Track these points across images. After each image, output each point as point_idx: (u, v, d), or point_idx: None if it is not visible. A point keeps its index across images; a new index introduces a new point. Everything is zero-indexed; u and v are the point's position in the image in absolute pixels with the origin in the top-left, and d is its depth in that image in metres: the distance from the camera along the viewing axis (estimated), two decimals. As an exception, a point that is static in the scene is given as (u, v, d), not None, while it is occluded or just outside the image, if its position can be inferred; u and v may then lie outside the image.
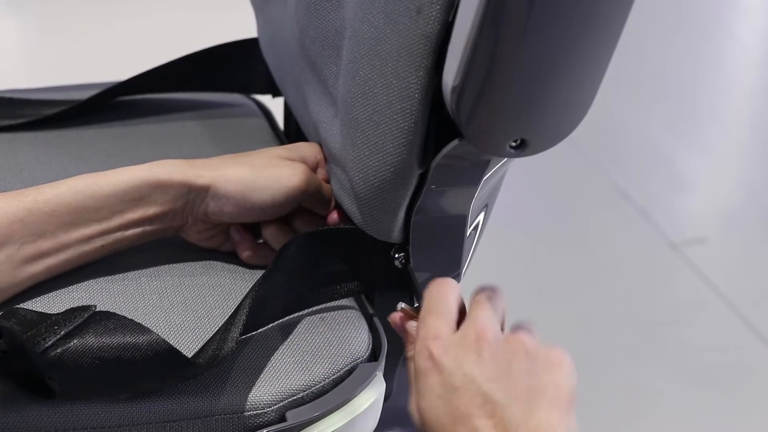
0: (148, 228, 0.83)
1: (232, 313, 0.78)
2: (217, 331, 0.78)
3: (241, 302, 0.79)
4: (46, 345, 0.71)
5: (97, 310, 0.74)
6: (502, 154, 0.72)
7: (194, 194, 0.83)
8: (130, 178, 0.81)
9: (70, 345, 0.71)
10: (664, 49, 2.71)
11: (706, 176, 2.32)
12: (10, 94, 1.06)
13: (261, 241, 0.89)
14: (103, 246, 0.82)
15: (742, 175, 2.33)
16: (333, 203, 0.88)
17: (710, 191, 2.27)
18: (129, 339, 0.72)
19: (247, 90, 1.12)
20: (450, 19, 0.69)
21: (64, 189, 0.80)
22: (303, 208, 0.88)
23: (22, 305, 0.81)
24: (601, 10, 0.67)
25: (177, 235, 0.87)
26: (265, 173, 0.84)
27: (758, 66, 2.80)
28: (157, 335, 0.73)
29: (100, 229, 0.81)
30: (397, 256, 0.84)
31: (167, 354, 0.73)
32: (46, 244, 0.79)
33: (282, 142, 1.07)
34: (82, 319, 0.73)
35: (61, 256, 0.81)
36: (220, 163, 0.84)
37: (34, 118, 1.03)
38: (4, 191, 0.92)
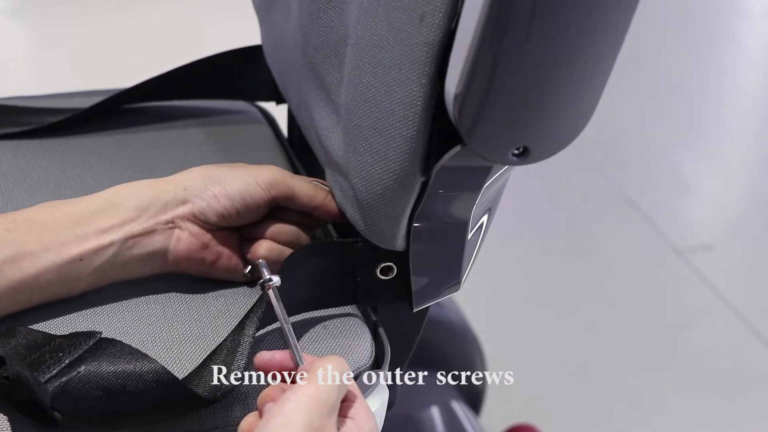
0: (124, 234, 0.81)
1: (234, 333, 0.78)
2: (217, 352, 0.77)
3: (242, 326, 0.78)
4: (51, 374, 0.71)
5: (102, 336, 0.74)
6: (505, 162, 0.72)
7: (166, 195, 0.83)
8: (102, 193, 0.83)
9: (73, 375, 0.71)
10: (669, 56, 2.71)
11: (711, 183, 2.31)
12: (14, 102, 1.06)
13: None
14: (82, 260, 0.80)
15: (748, 181, 2.33)
16: (323, 195, 0.88)
17: (716, 198, 2.27)
18: (133, 369, 0.72)
19: (251, 97, 1.12)
20: (453, 26, 0.69)
21: (38, 208, 0.81)
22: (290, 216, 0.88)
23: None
24: (603, 17, 0.67)
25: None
26: (237, 167, 0.86)
27: (763, 73, 2.80)
28: (162, 366, 0.73)
29: (77, 241, 0.80)
30: (384, 276, 0.85)
31: (171, 385, 0.73)
32: (26, 264, 0.78)
33: (285, 149, 1.07)
34: (87, 347, 0.73)
35: (44, 279, 0.79)
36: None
37: (39, 125, 1.03)
38: (7, 199, 0.93)
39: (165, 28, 2.57)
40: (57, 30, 2.62)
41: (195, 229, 0.84)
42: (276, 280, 0.79)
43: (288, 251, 0.87)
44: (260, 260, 0.82)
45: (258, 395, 0.75)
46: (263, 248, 0.86)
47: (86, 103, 1.05)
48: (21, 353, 0.72)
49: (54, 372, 0.71)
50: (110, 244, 0.81)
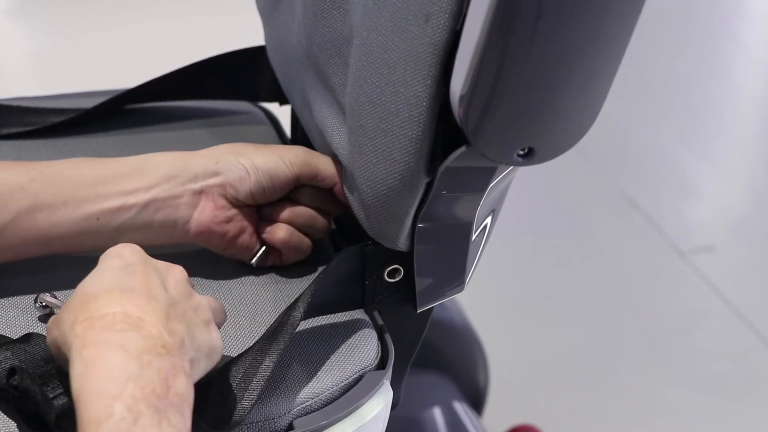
0: (148, 197, 0.82)
1: (246, 363, 0.77)
2: (228, 374, 0.76)
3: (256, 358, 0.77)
4: (59, 391, 0.70)
5: None
6: (510, 163, 0.72)
7: (197, 167, 0.83)
8: (133, 157, 0.84)
9: None
10: (672, 57, 2.71)
11: (713, 184, 2.31)
12: (18, 102, 1.06)
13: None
14: (99, 219, 0.81)
15: (750, 182, 2.33)
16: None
17: (718, 199, 2.27)
18: None
19: (254, 98, 1.12)
20: (458, 27, 0.69)
21: (68, 162, 0.82)
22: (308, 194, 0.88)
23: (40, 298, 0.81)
24: (609, 18, 0.67)
25: (193, 244, 0.86)
26: (263, 146, 0.87)
27: (765, 74, 2.80)
28: None
29: (97, 200, 0.81)
30: (390, 279, 0.85)
31: None
32: (42, 216, 0.79)
33: (289, 150, 1.07)
34: None
35: (55, 232, 0.80)
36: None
37: (42, 125, 1.03)
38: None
39: (167, 29, 2.57)
40: (59, 30, 2.62)
41: (221, 202, 0.84)
42: None
43: (306, 240, 0.88)
44: None
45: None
46: (284, 231, 0.87)
47: (89, 103, 1.05)
48: (36, 363, 0.72)
49: (62, 389, 0.70)
50: (131, 206, 0.82)
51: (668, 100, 2.55)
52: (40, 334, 0.75)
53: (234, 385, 0.74)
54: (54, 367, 0.72)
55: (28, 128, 1.03)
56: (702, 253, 2.01)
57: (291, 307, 0.78)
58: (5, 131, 1.02)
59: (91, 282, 0.69)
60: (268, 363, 0.74)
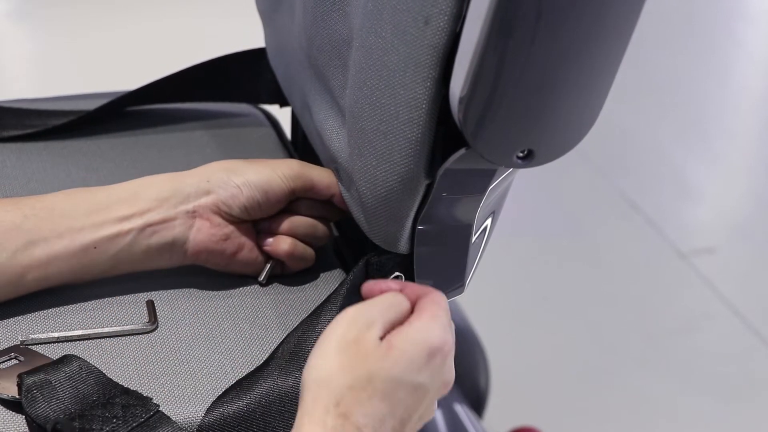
0: (143, 222, 0.82)
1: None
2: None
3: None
4: None
5: (159, 409, 0.74)
6: (509, 165, 0.72)
7: (189, 187, 0.83)
8: (124, 183, 0.83)
9: None
10: (672, 59, 2.71)
11: (714, 185, 2.31)
12: (18, 104, 1.06)
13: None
14: (96, 247, 0.80)
15: (751, 184, 2.33)
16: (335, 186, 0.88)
17: (719, 200, 2.27)
18: None
19: (255, 100, 1.12)
20: (457, 29, 0.69)
21: (60, 195, 0.82)
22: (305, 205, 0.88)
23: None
24: (608, 20, 0.67)
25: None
26: (256, 161, 0.87)
27: (766, 75, 2.80)
28: None
29: (93, 229, 0.80)
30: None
31: None
32: (38, 251, 0.79)
33: (289, 152, 1.07)
34: (141, 420, 0.72)
35: (54, 266, 0.80)
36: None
37: (42, 128, 1.03)
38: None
39: (167, 30, 2.57)
40: (59, 30, 2.62)
41: (217, 220, 0.84)
42: None
43: (309, 249, 0.88)
44: None
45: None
46: (287, 243, 0.86)
47: (90, 105, 1.05)
48: (89, 402, 0.72)
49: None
50: (127, 232, 0.81)
51: (668, 101, 2.54)
52: (95, 368, 0.75)
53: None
54: (92, 415, 0.72)
55: (29, 131, 1.03)
56: (702, 254, 2.01)
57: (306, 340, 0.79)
58: (6, 134, 1.02)
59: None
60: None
